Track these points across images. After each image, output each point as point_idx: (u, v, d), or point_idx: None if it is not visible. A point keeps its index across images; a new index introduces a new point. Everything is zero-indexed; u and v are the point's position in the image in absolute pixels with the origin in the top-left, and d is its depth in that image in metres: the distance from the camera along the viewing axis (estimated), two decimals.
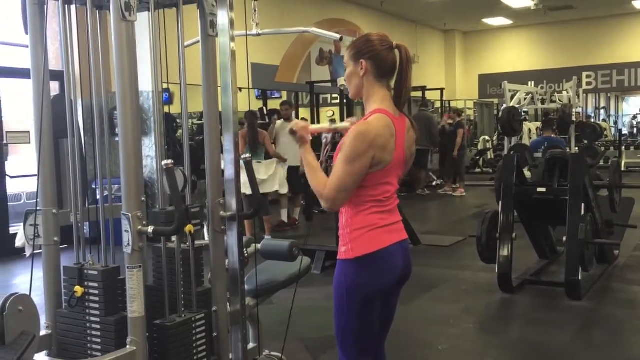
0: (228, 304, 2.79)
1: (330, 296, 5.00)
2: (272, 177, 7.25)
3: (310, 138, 2.23)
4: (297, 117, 10.07)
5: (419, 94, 12.56)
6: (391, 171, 2.13)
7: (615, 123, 25.06)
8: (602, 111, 24.17)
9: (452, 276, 5.37)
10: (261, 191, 6.65)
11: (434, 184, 12.05)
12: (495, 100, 19.57)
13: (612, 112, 26.52)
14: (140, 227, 2.30)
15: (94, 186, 2.67)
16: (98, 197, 2.64)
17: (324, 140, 2.40)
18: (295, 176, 7.70)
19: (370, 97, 2.17)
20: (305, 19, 10.77)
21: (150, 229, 2.30)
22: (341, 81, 10.97)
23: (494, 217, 4.84)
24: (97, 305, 2.36)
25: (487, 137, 17.18)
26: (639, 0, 15.77)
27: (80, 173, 2.57)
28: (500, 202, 4.87)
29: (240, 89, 2.56)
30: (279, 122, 8.04)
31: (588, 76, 17.93)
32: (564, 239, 4.59)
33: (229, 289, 2.62)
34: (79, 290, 2.39)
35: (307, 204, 8.59)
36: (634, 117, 25.12)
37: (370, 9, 14.39)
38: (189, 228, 2.42)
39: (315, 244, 5.96)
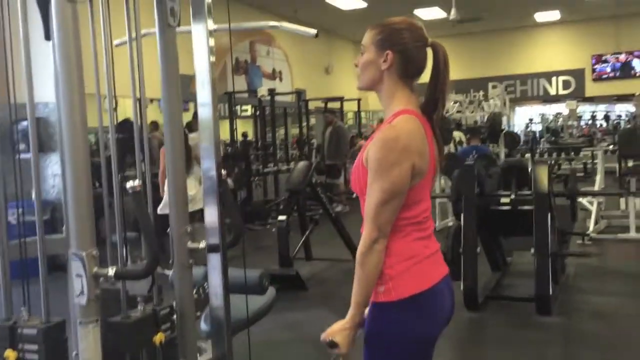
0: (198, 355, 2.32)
1: (287, 326, 4.47)
2: (199, 192, 6.64)
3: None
4: None
5: (337, 104, 12.36)
6: (426, 185, 1.70)
7: None
8: None
9: None
10: (190, 209, 6.04)
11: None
12: None
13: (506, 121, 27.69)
14: (97, 269, 1.76)
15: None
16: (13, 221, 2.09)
17: None
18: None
19: (393, 96, 1.72)
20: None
21: (112, 271, 1.77)
22: (261, 91, 10.50)
23: (458, 231, 4.52)
24: None
25: None
26: (540, 12, 16.43)
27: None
28: (462, 215, 4.56)
29: (151, 100, 2.10)
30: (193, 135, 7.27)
31: (494, 86, 18.41)
32: (532, 250, 4.35)
33: (210, 337, 2.14)
34: (10, 355, 1.83)
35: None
36: (527, 125, 26.35)
37: (284, 18, 13.98)
38: (159, 337, 1.92)
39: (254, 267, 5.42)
